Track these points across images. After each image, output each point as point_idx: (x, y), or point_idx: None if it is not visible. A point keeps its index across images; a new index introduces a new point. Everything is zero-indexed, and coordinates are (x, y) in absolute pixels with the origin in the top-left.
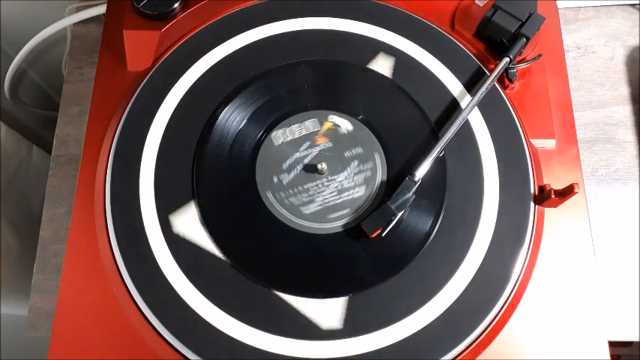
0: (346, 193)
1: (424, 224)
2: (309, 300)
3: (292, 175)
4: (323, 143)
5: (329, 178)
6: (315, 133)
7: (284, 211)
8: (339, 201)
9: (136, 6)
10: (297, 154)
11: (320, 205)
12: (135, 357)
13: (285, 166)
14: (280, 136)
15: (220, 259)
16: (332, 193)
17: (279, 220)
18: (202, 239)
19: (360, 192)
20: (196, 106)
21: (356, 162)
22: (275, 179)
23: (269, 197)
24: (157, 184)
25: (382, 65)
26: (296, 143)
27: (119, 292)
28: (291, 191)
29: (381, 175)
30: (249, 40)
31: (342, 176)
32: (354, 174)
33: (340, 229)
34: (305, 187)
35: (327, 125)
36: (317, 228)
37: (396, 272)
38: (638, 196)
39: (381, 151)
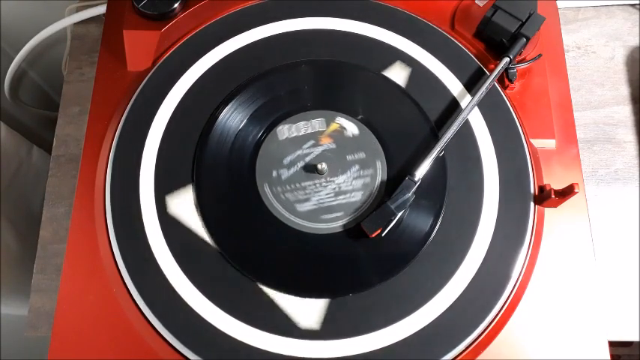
0: (342, 196)
1: (424, 224)
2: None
3: (292, 171)
4: (327, 143)
5: (328, 179)
6: (321, 132)
7: (285, 212)
8: (335, 203)
9: (136, 6)
10: (300, 152)
11: (315, 204)
12: (135, 357)
13: (286, 162)
14: (285, 131)
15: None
16: (329, 194)
17: (282, 222)
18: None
19: (356, 197)
20: (196, 106)
21: (357, 166)
22: (274, 174)
23: (269, 197)
24: (157, 184)
25: (397, 74)
26: (300, 140)
27: (119, 292)
28: (288, 187)
29: (380, 176)
30: (249, 40)
31: (341, 179)
32: (354, 178)
33: (340, 229)
34: (303, 184)
35: (334, 126)
36: (315, 228)
37: (396, 272)
38: (638, 196)
39: (381, 150)
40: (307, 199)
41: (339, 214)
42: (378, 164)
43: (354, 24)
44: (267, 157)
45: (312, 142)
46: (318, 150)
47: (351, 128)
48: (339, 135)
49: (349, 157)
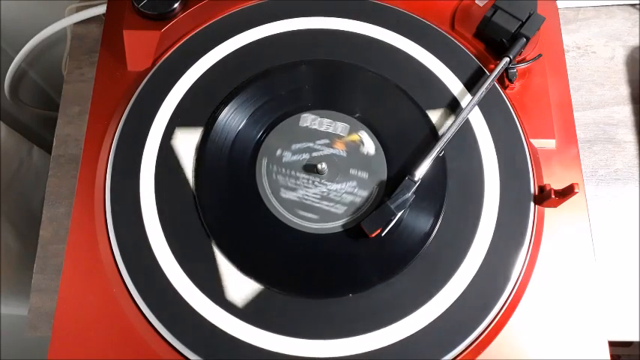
0: (326, 203)
1: (424, 224)
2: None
3: (294, 158)
4: (339, 149)
5: (322, 180)
6: (339, 137)
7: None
8: (316, 205)
9: (136, 6)
10: (311, 144)
11: (298, 197)
12: (135, 357)
13: (294, 147)
14: (309, 120)
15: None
16: (315, 194)
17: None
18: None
19: (339, 210)
20: (196, 106)
21: (355, 183)
22: (278, 153)
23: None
24: (158, 183)
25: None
26: (317, 134)
27: (119, 292)
28: (284, 170)
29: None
30: (249, 40)
31: (334, 187)
32: (346, 192)
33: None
34: (297, 175)
35: (353, 137)
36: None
37: (396, 272)
38: (638, 196)
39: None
40: (294, 189)
41: (314, 217)
42: (375, 188)
43: (354, 24)
44: (278, 137)
45: (326, 141)
46: (328, 151)
47: (369, 147)
48: (354, 147)
49: (352, 172)
